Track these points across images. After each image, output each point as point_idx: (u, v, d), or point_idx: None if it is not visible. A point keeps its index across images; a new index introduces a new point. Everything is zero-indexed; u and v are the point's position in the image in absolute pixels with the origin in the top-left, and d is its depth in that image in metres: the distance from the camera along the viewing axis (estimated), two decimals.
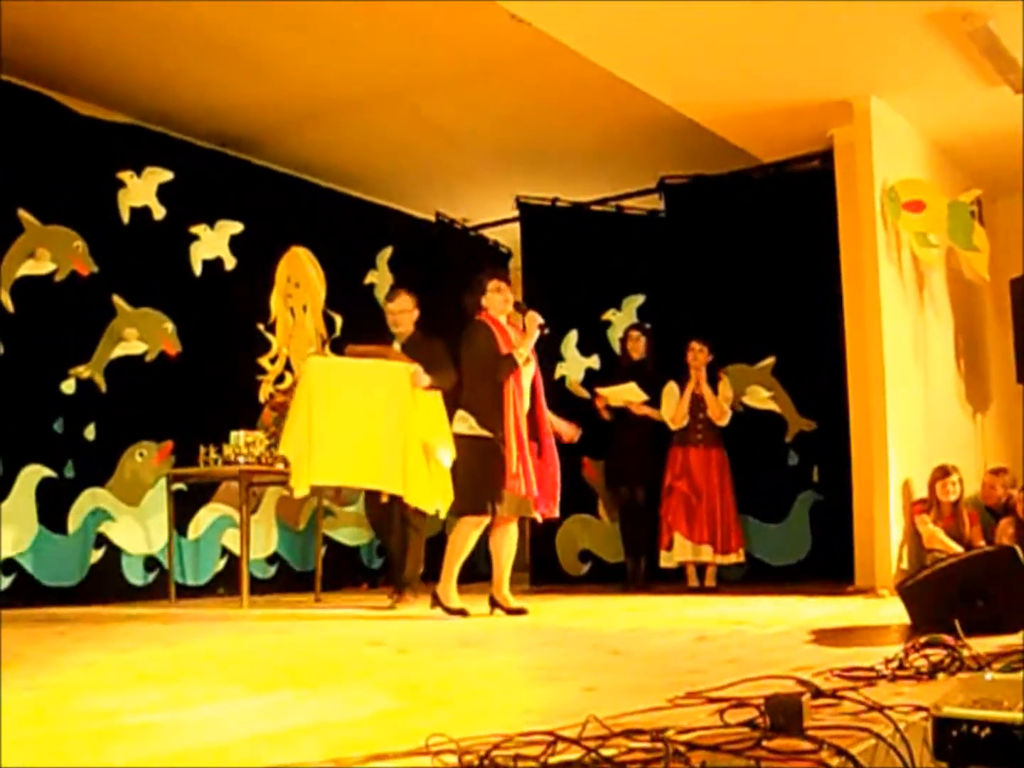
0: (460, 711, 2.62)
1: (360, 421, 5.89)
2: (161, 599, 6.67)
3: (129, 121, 7.18)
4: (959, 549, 6.26)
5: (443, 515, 6.17)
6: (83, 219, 6.84)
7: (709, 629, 4.61)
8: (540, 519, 5.74)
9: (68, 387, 6.71)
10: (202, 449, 6.67)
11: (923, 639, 3.15)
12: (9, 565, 6.27)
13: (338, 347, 7.45)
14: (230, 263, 7.69)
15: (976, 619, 3.72)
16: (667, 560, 7.56)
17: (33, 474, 6.46)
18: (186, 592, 6.97)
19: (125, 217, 7.12)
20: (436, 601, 5.57)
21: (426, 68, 6.87)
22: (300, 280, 8.09)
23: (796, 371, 7.90)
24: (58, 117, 6.79)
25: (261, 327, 7.77)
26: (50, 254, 6.66)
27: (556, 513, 5.72)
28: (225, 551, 7.39)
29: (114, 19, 6.13)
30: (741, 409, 7.87)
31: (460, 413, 5.64)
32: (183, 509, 7.04)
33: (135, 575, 6.93)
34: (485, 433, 5.50)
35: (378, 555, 8.18)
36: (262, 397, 7.65)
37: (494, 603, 5.64)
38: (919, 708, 2.24)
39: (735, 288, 7.98)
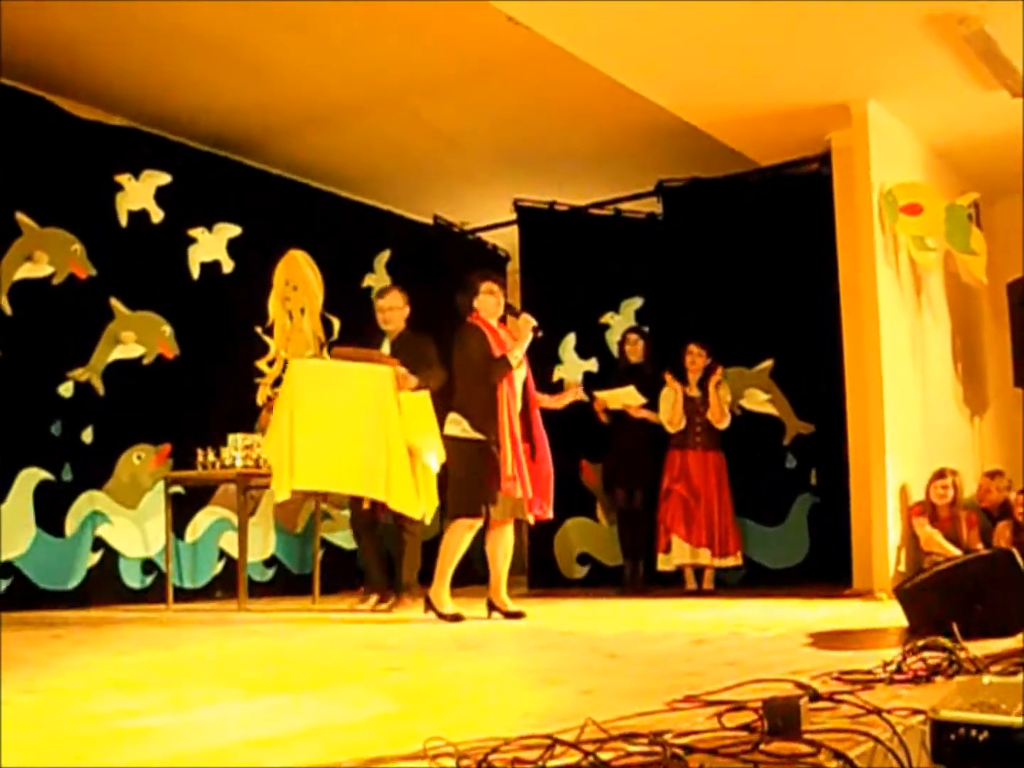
0: (458, 714, 2.62)
1: (343, 425, 5.86)
2: (159, 602, 6.66)
3: (127, 124, 7.18)
4: (957, 552, 6.26)
5: (428, 520, 6.15)
6: (81, 222, 6.84)
7: (707, 632, 4.61)
8: (533, 520, 5.73)
9: (66, 390, 6.71)
10: (200, 452, 6.67)
11: (921, 642, 3.15)
12: (6, 568, 6.26)
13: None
14: (228, 266, 7.69)
15: (974, 622, 3.73)
16: (665, 563, 7.55)
17: (31, 477, 6.45)
18: (184, 595, 6.96)
19: (123, 220, 7.11)
20: (429, 605, 5.55)
21: (424, 71, 6.87)
22: (298, 283, 8.08)
23: (794, 374, 7.90)
24: (56, 120, 6.78)
25: (259, 330, 7.77)
26: (48, 257, 6.66)
27: (550, 514, 5.71)
28: (223, 554, 7.38)
29: (112, 22, 6.13)
30: (739, 412, 7.88)
31: (452, 415, 5.62)
32: (181, 512, 7.04)
33: (133, 578, 6.92)
34: (478, 436, 5.49)
35: None
36: (260, 400, 7.65)
37: (492, 606, 5.64)
38: (917, 711, 2.24)
39: (733, 291, 7.98)
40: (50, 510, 6.51)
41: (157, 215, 7.28)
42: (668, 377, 7.62)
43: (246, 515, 6.52)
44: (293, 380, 6.04)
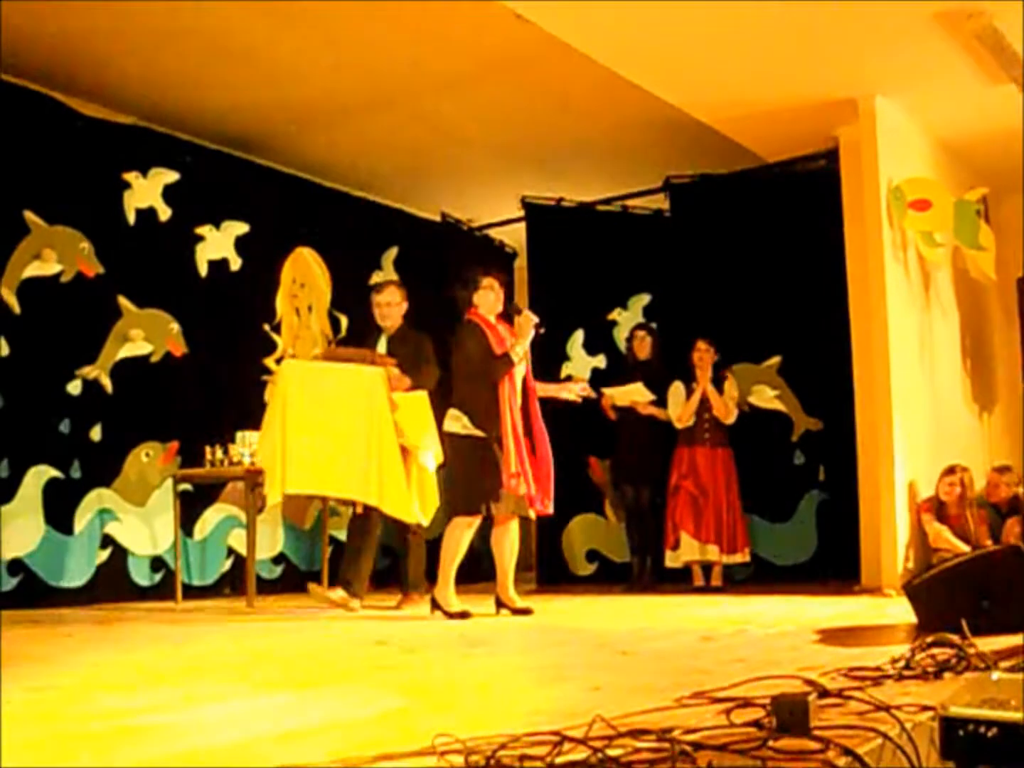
0: (466, 711, 2.62)
1: (334, 428, 5.82)
2: (167, 599, 6.68)
3: (135, 122, 7.19)
4: (965, 548, 6.24)
5: (426, 522, 6.12)
6: (89, 220, 6.85)
7: (715, 629, 4.61)
8: (534, 516, 5.73)
9: (74, 388, 6.72)
10: (208, 449, 6.68)
11: (930, 639, 3.15)
12: (16, 565, 6.29)
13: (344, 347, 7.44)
14: (236, 264, 7.69)
15: (983, 618, 3.72)
16: (673, 560, 7.54)
17: (40, 474, 6.47)
18: (192, 592, 6.98)
19: (131, 218, 7.12)
20: (435, 606, 5.54)
21: (432, 68, 6.87)
22: (306, 281, 8.09)
23: (802, 370, 7.89)
24: (64, 118, 6.79)
25: (267, 328, 7.78)
26: (56, 255, 6.67)
27: (550, 509, 5.69)
28: (231, 551, 7.40)
29: (120, 21, 6.13)
30: (747, 408, 7.86)
31: (452, 412, 5.59)
32: (189, 509, 7.06)
33: (141, 575, 6.93)
34: (477, 432, 5.48)
35: (384, 555, 8.16)
36: (267, 397, 7.64)
37: (500, 603, 5.64)
38: (926, 708, 2.23)
39: (741, 287, 7.97)
40: (59, 507, 6.53)
41: (165, 213, 7.29)
42: (678, 383, 7.60)
43: (255, 512, 6.53)
44: (285, 381, 5.98)
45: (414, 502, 5.92)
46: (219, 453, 6.64)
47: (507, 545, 5.65)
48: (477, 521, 5.55)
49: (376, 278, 8.65)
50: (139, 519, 6.95)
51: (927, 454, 6.96)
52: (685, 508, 7.49)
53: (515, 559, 5.70)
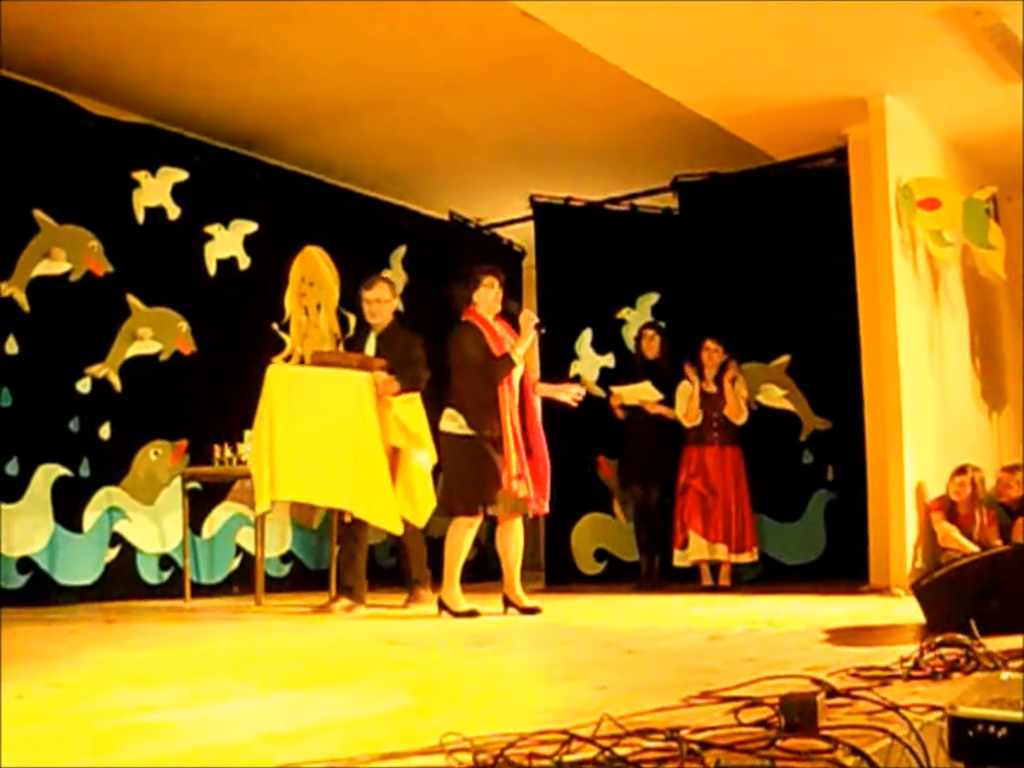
0: (474, 709, 2.62)
1: (320, 435, 5.73)
2: (176, 597, 6.69)
3: (144, 121, 7.21)
4: (974, 548, 6.23)
5: (421, 523, 6.09)
6: (98, 219, 6.87)
7: (723, 628, 4.60)
8: (531, 515, 5.72)
9: (83, 386, 6.74)
10: (216, 448, 6.69)
11: (938, 638, 3.14)
12: (25, 563, 6.30)
13: (351, 346, 7.43)
14: (244, 262, 7.71)
15: (992, 618, 3.71)
16: (682, 559, 7.54)
17: (49, 473, 6.49)
18: (201, 590, 6.99)
19: (140, 217, 7.14)
20: (442, 607, 5.52)
21: (440, 67, 6.87)
22: (314, 279, 8.10)
23: (811, 370, 7.88)
24: (73, 117, 6.81)
25: (275, 326, 7.78)
26: (65, 254, 6.69)
27: (547, 509, 5.68)
28: (240, 549, 7.41)
29: (128, 20, 6.14)
30: (755, 408, 7.85)
31: (449, 412, 5.56)
32: (198, 508, 7.06)
33: (150, 573, 6.95)
34: (474, 433, 5.46)
35: (391, 554, 8.18)
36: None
37: (507, 602, 5.63)
38: (934, 708, 2.22)
39: (749, 286, 7.96)
40: (68, 506, 6.55)
41: (174, 212, 7.30)
42: (688, 370, 7.58)
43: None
44: (271, 386, 5.84)
45: (398, 510, 5.83)
46: (227, 452, 6.65)
47: (511, 544, 5.64)
48: (478, 521, 5.54)
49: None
50: (148, 517, 6.96)
51: (936, 453, 6.95)
52: (694, 507, 7.49)
53: (520, 557, 5.69)
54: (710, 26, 6.00)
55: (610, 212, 8.72)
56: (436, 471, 6.02)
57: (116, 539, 6.78)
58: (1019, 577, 4.05)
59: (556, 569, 8.23)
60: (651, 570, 7.71)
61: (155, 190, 7.22)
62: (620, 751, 1.90)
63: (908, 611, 4.80)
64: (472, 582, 5.67)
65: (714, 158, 7.96)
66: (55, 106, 6.71)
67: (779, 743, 1.95)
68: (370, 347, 6.26)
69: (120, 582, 6.73)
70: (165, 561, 7.02)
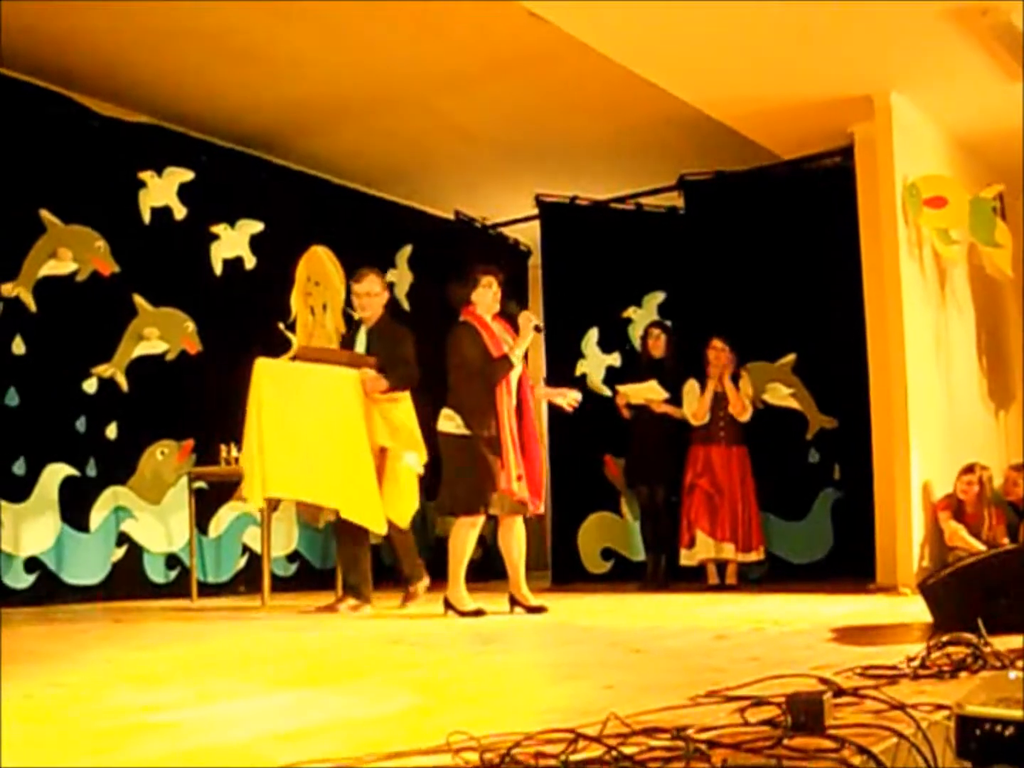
0: (481, 709, 2.61)
1: (308, 432, 5.69)
2: (182, 597, 6.70)
3: (150, 121, 7.22)
4: (981, 547, 6.22)
5: (405, 524, 6.07)
6: (104, 219, 6.88)
7: (730, 627, 4.59)
8: (527, 515, 5.71)
9: (90, 386, 6.75)
10: (223, 448, 6.70)
11: (945, 637, 3.13)
12: (32, 563, 6.32)
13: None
14: (250, 262, 7.72)
15: (999, 617, 3.70)
16: (688, 558, 7.53)
17: (56, 472, 6.51)
18: (207, 590, 7.00)
19: (146, 217, 7.16)
20: (448, 606, 5.52)
21: (445, 67, 6.87)
22: (320, 279, 8.10)
23: (817, 368, 7.87)
24: (79, 118, 6.83)
25: (281, 326, 7.78)
26: (72, 254, 6.70)
27: (541, 509, 5.71)
28: (246, 549, 7.42)
29: (134, 20, 6.15)
30: (762, 406, 7.85)
31: (446, 412, 5.54)
32: (204, 507, 7.07)
33: (157, 573, 6.96)
34: (471, 432, 5.46)
35: (389, 553, 8.16)
36: None
37: (514, 601, 5.63)
38: (941, 707, 2.22)
39: (756, 285, 7.95)
40: (75, 505, 6.57)
41: (180, 212, 7.32)
42: (693, 381, 7.57)
43: (269, 510, 6.54)
44: (259, 381, 5.77)
45: (384, 510, 5.80)
46: (234, 451, 6.64)
47: (513, 543, 5.63)
48: (480, 520, 5.54)
49: (391, 276, 8.66)
50: (154, 517, 6.98)
51: (943, 452, 6.93)
52: (700, 506, 7.48)
53: (523, 556, 5.67)
54: (716, 25, 6.00)
55: (616, 211, 8.72)
56: (436, 471, 6.02)
57: (123, 539, 6.80)
58: None
59: (562, 568, 8.24)
60: (657, 569, 7.71)
61: (161, 190, 7.24)
62: (626, 750, 1.89)
63: (915, 610, 4.79)
64: (478, 581, 5.66)
65: (720, 157, 7.96)
66: (61, 106, 6.72)
67: (786, 742, 1.94)
68: (360, 344, 6.17)
69: (127, 581, 6.76)
70: (172, 560, 7.04)
